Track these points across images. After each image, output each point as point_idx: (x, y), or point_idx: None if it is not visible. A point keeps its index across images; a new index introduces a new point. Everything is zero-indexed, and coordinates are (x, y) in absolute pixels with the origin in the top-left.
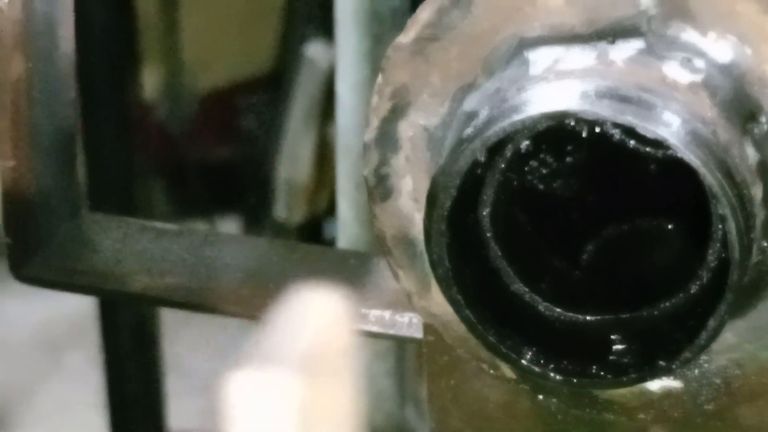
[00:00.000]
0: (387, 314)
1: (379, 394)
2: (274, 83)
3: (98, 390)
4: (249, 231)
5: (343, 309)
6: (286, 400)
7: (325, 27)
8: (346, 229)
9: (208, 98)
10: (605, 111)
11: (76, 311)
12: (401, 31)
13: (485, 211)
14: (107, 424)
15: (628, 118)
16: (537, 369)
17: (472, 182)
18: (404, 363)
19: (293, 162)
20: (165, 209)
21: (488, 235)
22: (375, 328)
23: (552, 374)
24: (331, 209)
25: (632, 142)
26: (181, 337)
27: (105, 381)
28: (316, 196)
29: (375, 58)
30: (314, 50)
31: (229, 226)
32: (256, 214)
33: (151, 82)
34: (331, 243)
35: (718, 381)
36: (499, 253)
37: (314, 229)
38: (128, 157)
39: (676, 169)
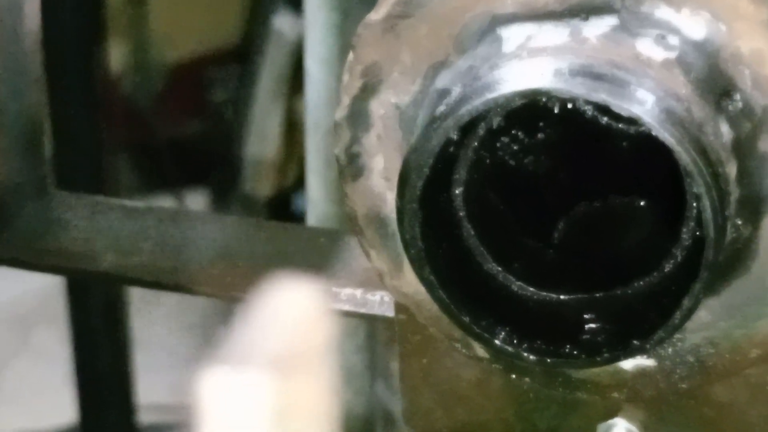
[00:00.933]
0: (358, 293)
1: (349, 371)
2: (242, 56)
3: (67, 366)
4: (217, 205)
5: (318, 302)
6: (261, 397)
7: None
8: (316, 206)
9: (176, 72)
10: (579, 89)
11: (44, 288)
12: (370, 5)
13: (458, 191)
14: (77, 399)
15: (602, 96)
16: (510, 349)
17: (444, 161)
18: (374, 339)
19: (261, 136)
20: (133, 184)
21: (461, 214)
22: (346, 307)
23: (525, 354)
24: (299, 183)
25: (605, 119)
26: (150, 312)
27: (74, 357)
28: (284, 169)
29: (344, 33)
30: (282, 22)
31: (198, 200)
32: (225, 188)
33: (118, 56)
34: (299, 217)
35: (691, 359)
36: (472, 233)
37: (282, 203)
38: (96, 133)
39: (649, 147)
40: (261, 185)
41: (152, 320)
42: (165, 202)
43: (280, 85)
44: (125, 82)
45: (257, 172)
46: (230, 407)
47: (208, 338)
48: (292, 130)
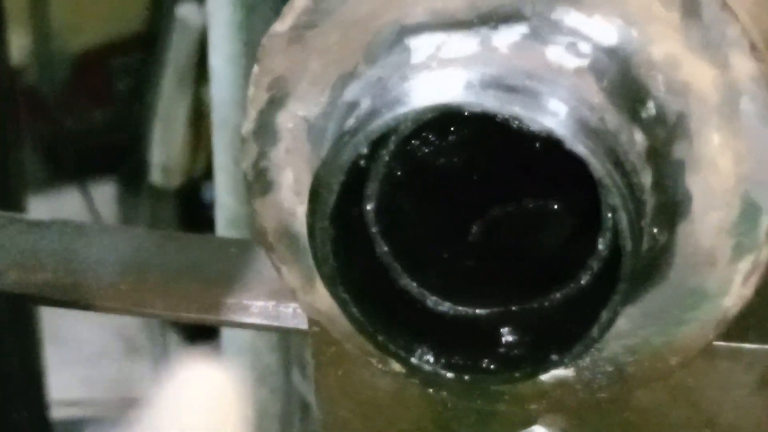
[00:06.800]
0: (270, 305)
1: (264, 370)
2: (147, 44)
3: None
4: (125, 196)
5: (229, 384)
6: None
7: None
8: (225, 206)
9: (80, 61)
10: (490, 102)
11: None
12: (275, 1)
13: (370, 206)
14: None
15: (515, 110)
16: (427, 367)
17: (355, 175)
18: (288, 337)
19: (168, 125)
20: (38, 176)
21: (374, 230)
22: (258, 320)
23: (443, 371)
24: (208, 173)
25: (516, 123)
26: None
27: None
28: (193, 159)
29: (248, 30)
30: (186, 11)
31: (105, 192)
32: (133, 179)
33: (19, 46)
34: (208, 206)
35: (610, 368)
36: (386, 248)
37: (191, 192)
38: None
39: (564, 152)
40: (169, 175)
41: (63, 315)
42: (71, 195)
43: (186, 74)
44: (28, 72)
45: (165, 162)
46: None
47: (119, 332)
48: (200, 118)
